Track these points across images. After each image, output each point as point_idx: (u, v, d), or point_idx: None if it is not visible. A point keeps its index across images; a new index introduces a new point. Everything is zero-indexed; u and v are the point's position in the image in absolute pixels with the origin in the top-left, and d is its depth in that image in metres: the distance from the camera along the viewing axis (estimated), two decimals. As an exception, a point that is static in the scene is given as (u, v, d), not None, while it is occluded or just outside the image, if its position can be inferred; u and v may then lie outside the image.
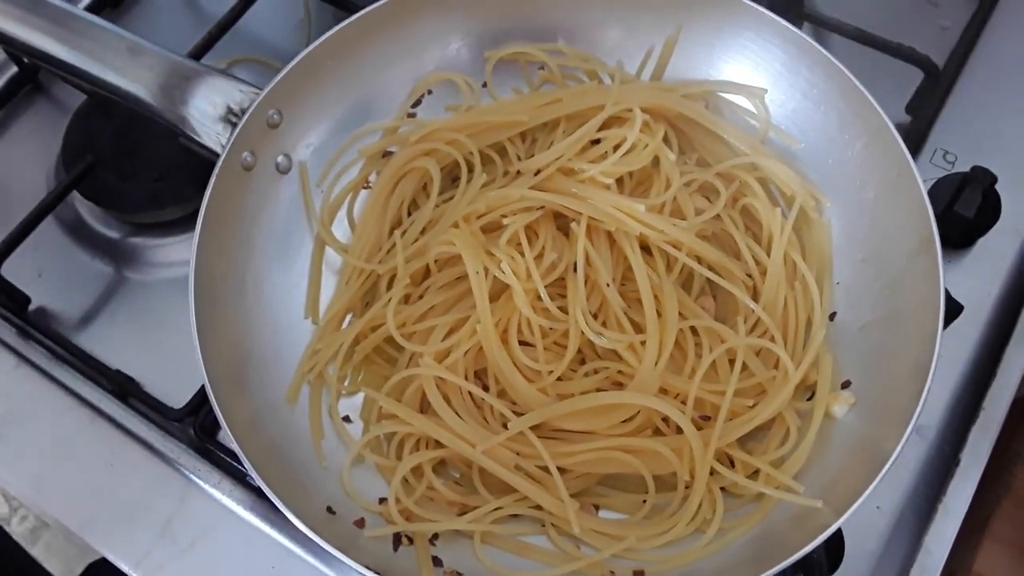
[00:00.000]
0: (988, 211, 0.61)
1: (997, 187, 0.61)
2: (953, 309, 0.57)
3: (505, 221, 0.55)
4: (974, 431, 0.57)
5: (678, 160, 0.58)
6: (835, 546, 0.51)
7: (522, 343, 0.53)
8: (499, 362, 0.52)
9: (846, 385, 0.51)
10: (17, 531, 1.34)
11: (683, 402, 0.51)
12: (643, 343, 0.51)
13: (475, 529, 0.49)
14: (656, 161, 0.57)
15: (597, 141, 0.57)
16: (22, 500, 0.59)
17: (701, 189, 0.58)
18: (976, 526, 0.64)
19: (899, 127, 0.63)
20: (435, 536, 0.50)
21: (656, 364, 0.51)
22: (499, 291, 0.54)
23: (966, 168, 0.62)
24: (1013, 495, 0.64)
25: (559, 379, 0.52)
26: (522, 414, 0.51)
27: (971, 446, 0.56)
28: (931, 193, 0.61)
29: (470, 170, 0.58)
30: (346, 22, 0.57)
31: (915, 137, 0.66)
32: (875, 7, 0.73)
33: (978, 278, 0.62)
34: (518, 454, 0.50)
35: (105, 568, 0.93)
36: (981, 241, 0.63)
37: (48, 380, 0.61)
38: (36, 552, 1.31)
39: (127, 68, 0.54)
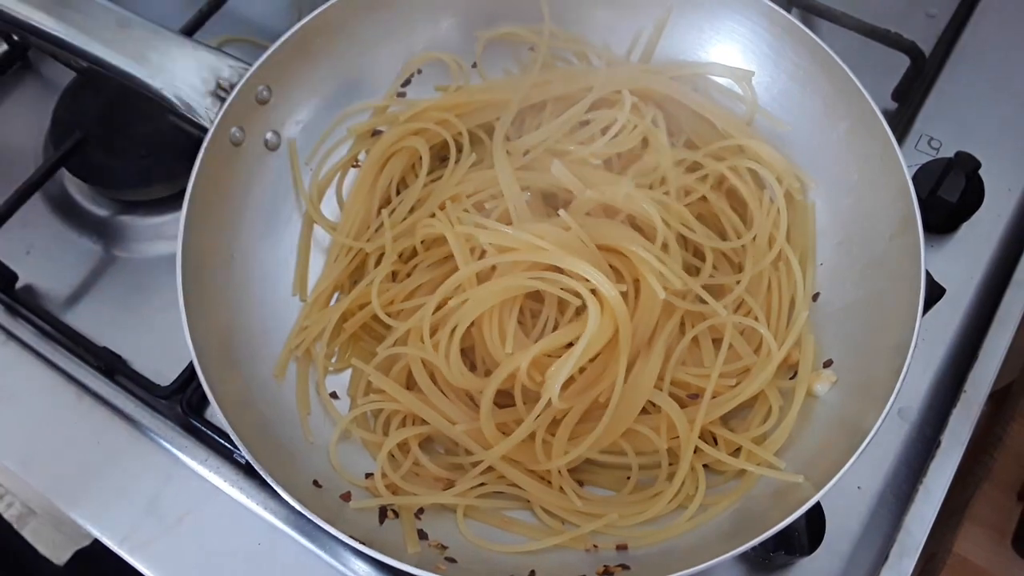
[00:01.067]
0: (971, 196, 0.62)
1: (980, 173, 0.62)
2: (935, 292, 0.57)
3: (487, 206, 0.55)
4: (955, 413, 0.57)
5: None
6: (816, 525, 0.52)
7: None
8: (487, 340, 0.52)
9: (828, 364, 0.52)
10: (3, 517, 1.33)
11: (670, 383, 0.51)
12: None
13: (459, 503, 0.50)
14: (645, 142, 0.57)
15: (586, 122, 0.58)
16: (9, 477, 0.59)
17: (688, 170, 0.58)
18: (957, 508, 0.65)
19: (885, 113, 0.63)
20: (421, 510, 0.50)
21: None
22: (488, 274, 0.54)
23: (951, 154, 0.63)
24: (993, 478, 0.65)
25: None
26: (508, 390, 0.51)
27: (952, 428, 0.57)
28: (915, 178, 0.62)
29: (459, 150, 0.59)
30: None
31: (901, 123, 0.67)
32: (864, -6, 0.73)
33: (961, 262, 0.63)
34: (504, 434, 0.50)
35: (92, 554, 0.94)
36: (964, 226, 0.63)
37: (35, 357, 0.61)
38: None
39: (116, 41, 0.54)
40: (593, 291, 0.48)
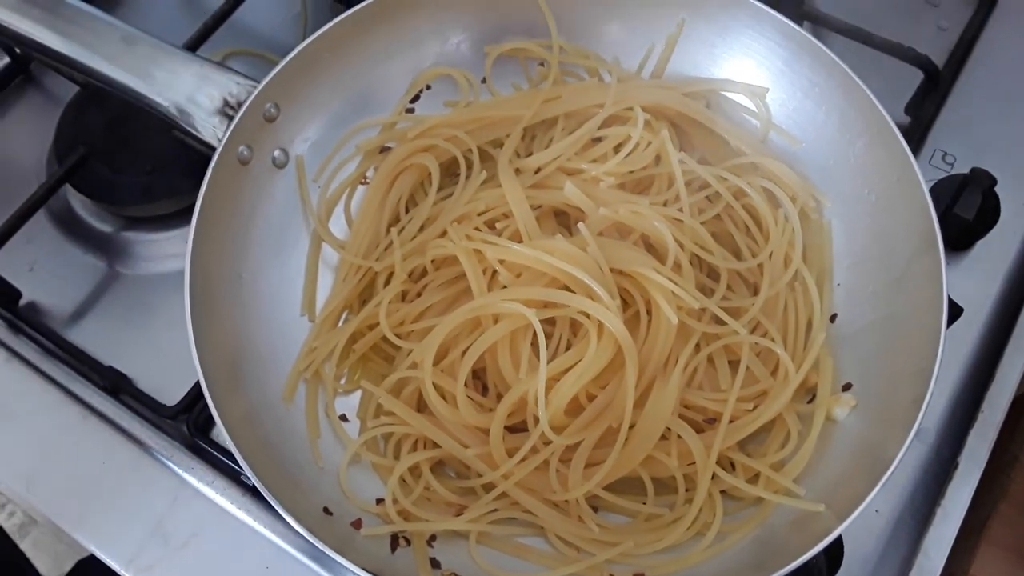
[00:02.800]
0: (988, 213, 0.61)
1: (996, 189, 0.61)
2: (953, 312, 0.56)
3: (498, 225, 0.55)
4: (972, 434, 0.56)
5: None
6: (834, 550, 0.51)
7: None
8: (501, 365, 0.51)
9: (847, 388, 0.51)
10: (5, 526, 1.33)
11: (685, 406, 0.50)
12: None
13: (472, 529, 0.49)
14: (657, 160, 0.56)
15: (598, 139, 0.57)
16: (12, 497, 0.58)
17: (701, 189, 0.57)
18: (973, 530, 0.64)
19: (898, 128, 0.63)
20: (433, 537, 0.49)
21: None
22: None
23: (965, 170, 0.62)
24: (1010, 498, 0.64)
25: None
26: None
27: (969, 449, 0.56)
28: (930, 195, 0.61)
29: (469, 167, 0.58)
30: (344, 15, 0.56)
31: (914, 138, 0.66)
32: (874, 6, 0.72)
33: (977, 281, 0.62)
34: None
35: (94, 565, 0.93)
36: (980, 243, 0.63)
37: (39, 376, 0.60)
38: (24, 548, 1.30)
39: (121, 58, 0.53)
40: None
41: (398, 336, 0.53)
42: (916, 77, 0.68)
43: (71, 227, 0.67)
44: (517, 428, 0.51)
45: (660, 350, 0.49)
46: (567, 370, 0.49)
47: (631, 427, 0.48)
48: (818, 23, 0.69)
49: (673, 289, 0.49)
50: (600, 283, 0.48)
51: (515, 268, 0.51)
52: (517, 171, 0.57)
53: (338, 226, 0.59)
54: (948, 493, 0.55)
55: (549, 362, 0.49)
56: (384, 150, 0.60)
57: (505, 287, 0.52)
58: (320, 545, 0.43)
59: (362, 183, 0.60)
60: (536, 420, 0.48)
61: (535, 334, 0.50)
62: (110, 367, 0.60)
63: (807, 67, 0.56)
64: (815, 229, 0.55)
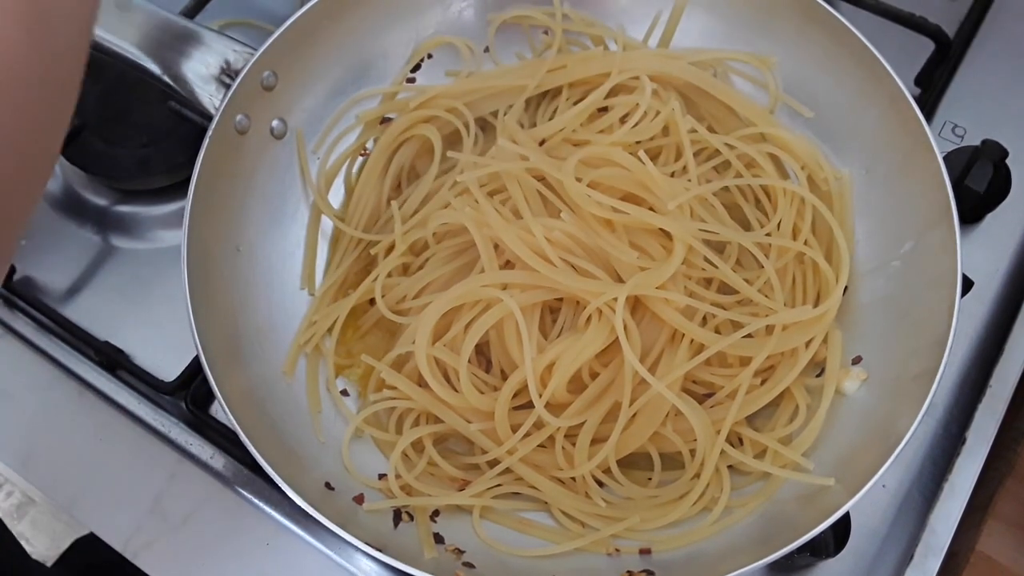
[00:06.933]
0: (998, 186, 0.60)
1: (1008, 161, 0.60)
2: (963, 285, 0.55)
3: (497, 197, 0.54)
4: (981, 409, 0.56)
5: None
6: (842, 525, 0.50)
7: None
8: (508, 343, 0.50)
9: (857, 361, 0.50)
10: (3, 507, 1.33)
11: (693, 381, 0.49)
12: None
13: (475, 504, 0.48)
14: (666, 130, 0.55)
15: (604, 110, 0.56)
16: (8, 475, 0.58)
17: (709, 160, 0.56)
18: (979, 505, 0.63)
19: (908, 99, 0.61)
20: (436, 512, 0.49)
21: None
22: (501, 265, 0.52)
23: (976, 142, 0.61)
24: (1016, 474, 0.63)
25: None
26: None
27: (977, 424, 0.55)
28: (942, 166, 0.60)
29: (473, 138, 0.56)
30: (344, -19, 0.55)
31: (924, 110, 0.64)
32: (883, -25, 0.71)
33: (986, 254, 0.61)
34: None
35: (91, 543, 0.92)
36: (990, 216, 0.62)
37: (34, 351, 0.59)
38: (23, 528, 1.30)
39: (115, 24, 0.52)
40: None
41: (399, 312, 0.52)
42: (926, 47, 0.66)
43: (65, 200, 0.66)
44: (523, 404, 0.50)
45: (666, 326, 0.48)
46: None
47: (637, 403, 0.47)
48: (826, -9, 0.68)
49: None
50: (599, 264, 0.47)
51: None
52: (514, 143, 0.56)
53: (338, 198, 0.58)
54: (955, 468, 0.54)
55: (551, 341, 0.48)
56: (385, 121, 0.59)
57: (508, 262, 0.51)
58: (323, 520, 0.42)
59: (362, 154, 0.59)
60: (540, 396, 0.47)
61: (544, 310, 0.50)
62: (106, 342, 0.59)
63: (818, 35, 0.55)
64: (825, 200, 0.54)
